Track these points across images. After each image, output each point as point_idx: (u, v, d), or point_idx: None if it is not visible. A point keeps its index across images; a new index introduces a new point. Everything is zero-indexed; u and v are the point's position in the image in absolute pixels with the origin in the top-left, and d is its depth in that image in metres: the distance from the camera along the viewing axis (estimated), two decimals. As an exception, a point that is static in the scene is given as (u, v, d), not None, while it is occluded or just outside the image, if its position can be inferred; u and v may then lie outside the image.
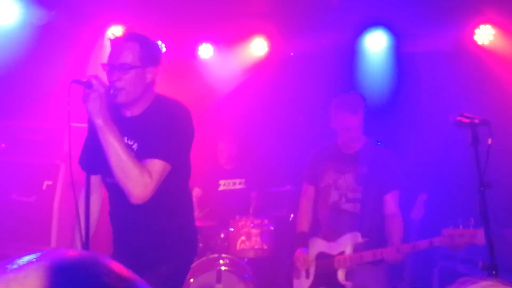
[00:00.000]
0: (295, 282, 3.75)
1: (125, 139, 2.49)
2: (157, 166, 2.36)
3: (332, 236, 3.57)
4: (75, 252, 0.65)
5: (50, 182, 4.68)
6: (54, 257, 0.63)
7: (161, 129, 2.44)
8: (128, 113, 2.59)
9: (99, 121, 2.26)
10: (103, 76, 2.47)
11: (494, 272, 2.39)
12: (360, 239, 3.43)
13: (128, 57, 2.44)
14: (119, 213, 2.63)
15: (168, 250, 2.63)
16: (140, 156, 2.39)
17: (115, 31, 2.56)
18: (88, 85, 2.26)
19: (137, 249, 2.63)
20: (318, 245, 3.65)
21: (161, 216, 2.59)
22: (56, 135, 4.78)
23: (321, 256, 3.60)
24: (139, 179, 2.28)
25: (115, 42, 2.53)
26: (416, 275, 4.26)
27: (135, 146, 2.52)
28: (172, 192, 2.56)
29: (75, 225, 2.56)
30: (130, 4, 5.54)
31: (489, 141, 2.51)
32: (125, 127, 2.50)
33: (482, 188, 2.50)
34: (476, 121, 2.60)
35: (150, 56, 2.53)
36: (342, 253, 3.47)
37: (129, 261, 2.65)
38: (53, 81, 5.43)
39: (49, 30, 5.43)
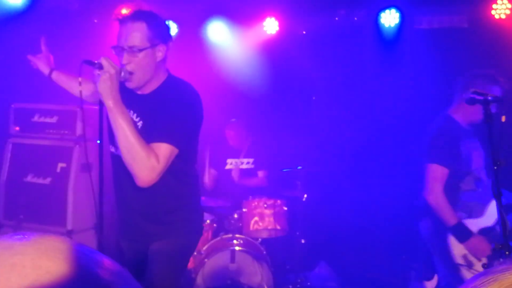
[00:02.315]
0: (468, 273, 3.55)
1: (131, 113, 2.49)
2: (164, 149, 2.35)
3: (475, 212, 3.48)
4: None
5: (64, 164, 4.71)
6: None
7: (169, 112, 2.43)
8: (139, 91, 2.58)
9: (109, 102, 2.26)
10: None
11: (507, 252, 2.35)
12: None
13: (137, 39, 2.41)
14: (125, 190, 2.62)
15: (171, 228, 2.64)
16: (144, 135, 2.37)
17: (123, 10, 2.51)
18: (99, 66, 2.26)
19: (141, 226, 2.65)
20: (474, 224, 3.38)
21: (165, 196, 2.59)
22: (70, 118, 4.79)
23: (484, 232, 3.39)
24: (146, 163, 2.28)
25: (122, 22, 2.48)
26: (430, 256, 4.23)
27: (140, 124, 2.51)
28: (177, 174, 2.56)
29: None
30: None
31: (503, 118, 2.45)
32: (133, 102, 2.50)
33: (495, 167, 2.44)
34: (489, 98, 2.53)
35: (159, 34, 2.49)
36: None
37: (133, 236, 2.69)
38: (66, 63, 5.43)
39: (60, 11, 5.42)
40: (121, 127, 2.27)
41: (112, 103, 2.26)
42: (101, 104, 2.31)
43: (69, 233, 4.63)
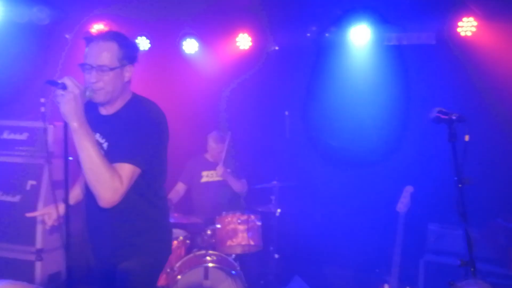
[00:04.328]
0: None
1: (97, 135, 2.51)
2: (127, 170, 2.35)
3: None
4: None
5: (34, 182, 4.66)
6: None
7: (132, 132, 2.43)
8: (104, 111, 2.59)
9: (74, 124, 2.23)
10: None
11: (472, 269, 2.40)
12: None
13: (107, 58, 2.44)
14: (93, 210, 2.60)
15: (139, 248, 2.64)
16: (109, 155, 2.37)
17: (94, 29, 2.48)
18: (63, 87, 2.22)
19: (109, 245, 2.65)
20: None
21: (132, 216, 2.59)
22: (40, 135, 4.75)
23: None
24: (110, 184, 2.27)
25: (92, 41, 2.47)
26: (402, 269, 4.28)
27: (105, 145, 2.52)
28: (143, 194, 2.56)
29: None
30: (114, 0, 5.49)
31: (466, 137, 2.51)
32: (98, 124, 2.50)
33: (460, 185, 2.50)
34: (454, 117, 2.59)
35: (128, 55, 2.52)
36: None
37: (102, 256, 2.62)
38: (36, 80, 5.38)
39: (31, 28, 5.37)
40: (86, 148, 2.25)
41: (77, 125, 2.23)
42: (65, 123, 2.27)
43: (38, 252, 4.56)
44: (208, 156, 5.36)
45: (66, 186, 2.34)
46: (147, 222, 2.67)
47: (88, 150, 2.24)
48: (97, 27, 5.78)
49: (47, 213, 2.87)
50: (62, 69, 5.11)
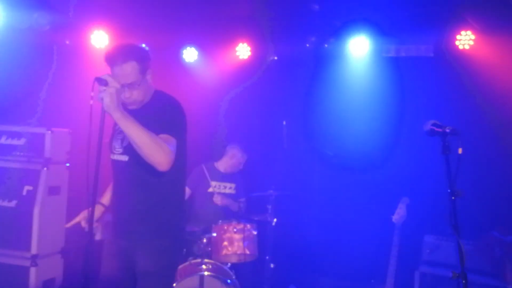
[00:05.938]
0: None
1: None
2: (169, 139, 2.67)
3: None
4: None
5: (30, 187, 4.65)
6: None
7: (165, 115, 2.77)
8: (130, 107, 2.83)
9: (117, 114, 2.46)
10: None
11: (464, 281, 2.40)
12: None
13: (132, 76, 2.74)
14: (120, 192, 2.93)
15: (155, 223, 2.89)
16: None
17: (108, 48, 2.82)
18: (105, 83, 2.48)
19: (131, 219, 2.90)
20: None
21: (154, 195, 2.88)
22: (38, 140, 4.75)
23: None
24: (164, 149, 2.56)
25: (113, 65, 2.73)
26: (397, 280, 4.28)
27: None
28: (166, 174, 2.73)
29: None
30: (115, 8, 5.52)
31: (460, 150, 2.54)
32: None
33: (452, 198, 2.52)
34: (447, 130, 2.62)
35: (146, 63, 2.83)
36: None
37: (123, 230, 2.87)
38: (34, 85, 5.40)
39: (31, 34, 5.39)
40: (134, 129, 2.50)
41: (119, 114, 2.48)
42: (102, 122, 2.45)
43: (34, 258, 4.54)
44: (219, 166, 5.33)
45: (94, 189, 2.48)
46: (166, 203, 2.92)
47: (137, 130, 2.50)
48: (99, 36, 5.85)
49: (84, 218, 3.12)
50: (64, 72, 5.15)
